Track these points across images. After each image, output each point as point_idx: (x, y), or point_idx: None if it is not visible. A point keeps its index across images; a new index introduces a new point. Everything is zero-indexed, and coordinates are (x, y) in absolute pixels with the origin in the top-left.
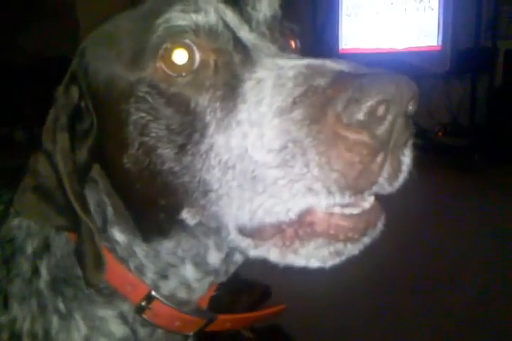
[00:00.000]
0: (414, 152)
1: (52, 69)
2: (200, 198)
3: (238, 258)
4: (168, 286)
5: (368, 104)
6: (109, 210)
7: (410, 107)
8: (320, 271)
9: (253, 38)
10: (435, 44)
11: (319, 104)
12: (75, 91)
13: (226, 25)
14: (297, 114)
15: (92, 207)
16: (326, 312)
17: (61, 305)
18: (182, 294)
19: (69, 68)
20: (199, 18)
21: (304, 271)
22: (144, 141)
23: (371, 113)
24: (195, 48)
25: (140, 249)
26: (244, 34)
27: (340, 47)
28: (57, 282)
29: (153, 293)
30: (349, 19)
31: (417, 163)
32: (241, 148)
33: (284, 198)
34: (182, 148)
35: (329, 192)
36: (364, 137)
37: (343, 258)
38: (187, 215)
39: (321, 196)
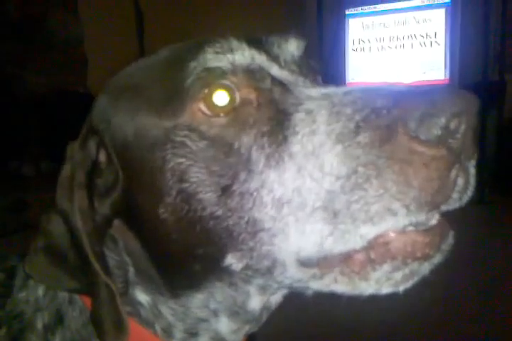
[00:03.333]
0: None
1: (60, 103)
2: (248, 240)
3: (273, 302)
4: None
5: (444, 118)
6: (131, 270)
7: (476, 119)
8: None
9: (285, 74)
10: (442, 78)
11: (386, 125)
12: (92, 146)
13: (259, 65)
14: (363, 137)
15: (112, 270)
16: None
17: None
18: None
19: (85, 123)
20: (235, 58)
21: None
22: (183, 187)
23: (446, 127)
24: (235, 88)
25: (166, 308)
26: (276, 72)
27: (347, 81)
28: None
29: None
30: (355, 53)
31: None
32: (297, 181)
33: (357, 223)
34: (226, 190)
35: (408, 211)
36: (441, 151)
37: (416, 279)
38: (233, 260)
39: (400, 216)
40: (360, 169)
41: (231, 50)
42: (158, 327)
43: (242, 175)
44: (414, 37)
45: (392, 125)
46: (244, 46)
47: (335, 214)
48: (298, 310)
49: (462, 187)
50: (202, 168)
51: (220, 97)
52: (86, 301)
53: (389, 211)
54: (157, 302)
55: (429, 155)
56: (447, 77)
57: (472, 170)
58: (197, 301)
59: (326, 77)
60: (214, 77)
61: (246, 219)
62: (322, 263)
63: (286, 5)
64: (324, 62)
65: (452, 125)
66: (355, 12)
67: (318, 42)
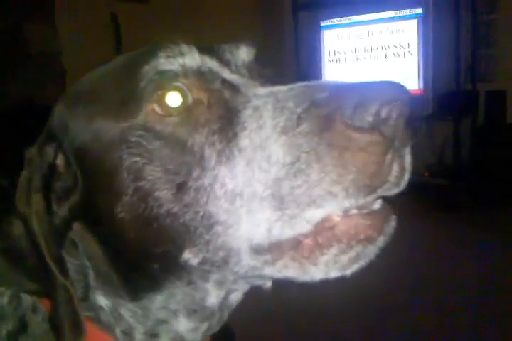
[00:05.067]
0: (399, 195)
1: (37, 116)
2: (204, 233)
3: (233, 300)
4: None
5: (375, 106)
6: (91, 274)
7: (407, 108)
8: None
9: (235, 77)
10: (416, 87)
11: (325, 115)
12: (50, 151)
13: (209, 68)
14: (304, 127)
15: (73, 274)
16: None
17: None
18: None
19: (43, 128)
20: (186, 61)
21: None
22: (139, 185)
23: (378, 114)
24: (186, 90)
25: (126, 311)
26: (227, 75)
27: None
28: None
29: None
30: (331, 64)
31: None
32: (247, 174)
33: (302, 207)
34: (181, 187)
35: (348, 193)
36: (375, 137)
37: (362, 262)
38: (189, 255)
39: (340, 198)
40: (303, 156)
41: (182, 54)
42: (118, 331)
43: (196, 172)
44: (387, 47)
45: (330, 114)
46: (194, 51)
47: (281, 201)
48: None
49: (398, 173)
50: (157, 166)
51: (173, 98)
52: (45, 303)
53: (330, 194)
54: (117, 305)
55: (364, 140)
56: (421, 86)
57: (408, 157)
58: (157, 302)
59: None
60: (166, 80)
61: (201, 213)
62: (274, 249)
63: (262, 16)
64: (301, 74)
65: (384, 112)
66: (331, 24)
67: (294, 53)
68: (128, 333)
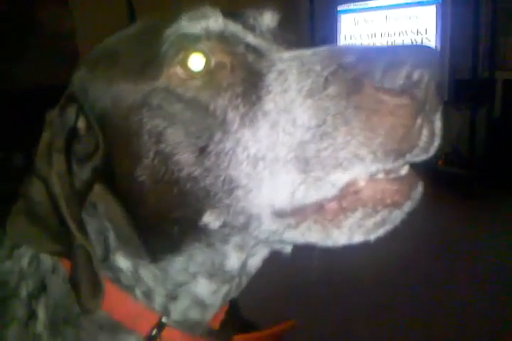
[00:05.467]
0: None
1: (50, 96)
2: (224, 198)
3: (252, 266)
4: (179, 308)
5: (406, 68)
6: (111, 235)
7: (437, 72)
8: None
9: (259, 41)
10: None
11: (353, 78)
12: (71, 114)
13: (233, 32)
14: (332, 90)
15: (93, 235)
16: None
17: None
18: (194, 314)
19: (65, 92)
20: (209, 25)
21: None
22: (160, 149)
23: (408, 77)
24: (209, 52)
25: (147, 272)
26: (251, 39)
27: None
28: (56, 323)
29: (163, 319)
30: None
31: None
32: (271, 137)
33: (327, 170)
34: (202, 151)
35: (375, 157)
36: (405, 100)
37: (388, 227)
38: (209, 219)
39: (367, 162)
40: (329, 119)
41: (205, 17)
42: (138, 292)
43: (218, 136)
44: (405, 33)
45: (359, 77)
46: (218, 14)
47: (306, 163)
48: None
49: (428, 138)
50: (178, 129)
51: (195, 61)
52: (66, 263)
53: (357, 157)
54: (137, 267)
55: (394, 103)
56: None
57: (438, 123)
58: (177, 264)
59: None
60: (189, 42)
61: (222, 177)
62: (297, 213)
63: (279, 1)
64: None
65: (415, 75)
66: (347, 8)
67: (310, 38)
68: (148, 295)
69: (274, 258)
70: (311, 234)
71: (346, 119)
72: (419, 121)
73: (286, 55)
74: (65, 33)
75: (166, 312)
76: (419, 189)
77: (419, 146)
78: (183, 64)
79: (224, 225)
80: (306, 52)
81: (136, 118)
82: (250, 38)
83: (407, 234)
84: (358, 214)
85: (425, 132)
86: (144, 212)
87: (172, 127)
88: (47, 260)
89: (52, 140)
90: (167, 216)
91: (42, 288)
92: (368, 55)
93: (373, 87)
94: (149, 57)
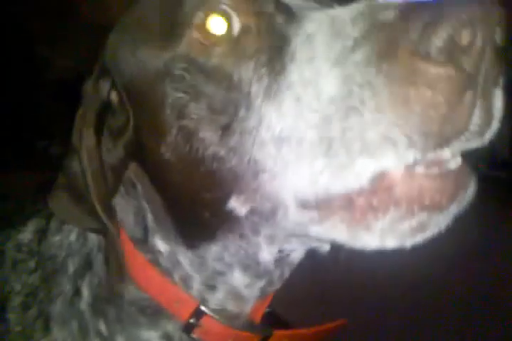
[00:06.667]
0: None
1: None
2: (251, 181)
3: (294, 257)
4: (216, 298)
5: (450, 27)
6: (149, 217)
7: (498, 34)
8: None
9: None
10: None
11: (387, 39)
12: (104, 86)
13: None
14: (360, 54)
15: (131, 215)
16: None
17: (103, 328)
18: (232, 306)
19: (99, 61)
20: None
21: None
22: (183, 124)
23: (454, 40)
24: (232, 13)
25: (185, 258)
26: None
27: None
28: (99, 302)
29: (202, 307)
30: None
31: None
32: (296, 114)
33: (353, 155)
34: (227, 129)
35: (410, 142)
36: (448, 69)
37: (427, 234)
38: (236, 204)
39: (401, 147)
40: (356, 90)
41: None
42: (176, 277)
43: (242, 112)
44: None
45: (393, 39)
46: None
47: (329, 146)
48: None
49: (482, 120)
50: (201, 103)
51: (216, 23)
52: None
53: (387, 140)
54: (175, 251)
55: (433, 73)
56: None
57: (497, 99)
58: (212, 253)
59: None
60: (210, 2)
61: (247, 159)
62: (322, 206)
63: None
64: None
65: (464, 38)
66: None
67: None
68: (186, 281)
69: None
70: (337, 233)
71: (375, 91)
72: (468, 97)
73: (318, 14)
74: (102, 25)
75: (203, 301)
76: (470, 189)
77: (470, 130)
78: (204, 28)
79: (251, 213)
80: (342, 10)
81: (159, 90)
82: None
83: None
84: (391, 215)
85: (478, 112)
86: (172, 193)
87: (194, 101)
88: (93, 237)
89: (85, 114)
90: (195, 198)
91: (87, 265)
92: (411, 9)
93: (408, 50)
94: (171, 21)
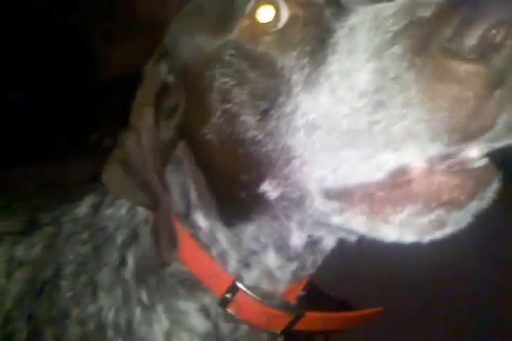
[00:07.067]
0: None
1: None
2: (283, 167)
3: (326, 245)
4: (251, 276)
5: (483, 25)
6: (193, 194)
7: None
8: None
9: None
10: None
11: (423, 35)
12: (163, 68)
13: None
14: (396, 49)
15: (177, 190)
16: None
17: (144, 296)
18: (265, 285)
19: (162, 44)
20: None
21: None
22: (226, 108)
23: (486, 38)
24: (282, 4)
25: (223, 235)
26: None
27: None
28: (142, 272)
29: (237, 283)
30: None
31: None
32: (330, 103)
33: (376, 148)
34: (265, 114)
35: (434, 135)
36: (477, 66)
37: (447, 231)
38: (268, 187)
39: (424, 140)
40: (387, 84)
41: None
42: (214, 252)
43: (281, 99)
44: None
45: (428, 35)
46: None
47: (355, 137)
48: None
49: (510, 119)
50: (244, 89)
51: (265, 13)
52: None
53: (411, 134)
54: (214, 228)
55: (462, 70)
56: None
57: None
58: (248, 233)
59: None
60: None
61: (281, 145)
62: (343, 197)
63: None
64: None
65: (496, 36)
66: None
67: None
68: (223, 257)
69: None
70: (357, 225)
71: (405, 85)
72: (496, 95)
73: (364, 8)
74: (159, 22)
75: (239, 277)
76: (492, 186)
77: (497, 129)
78: (254, 17)
79: (282, 198)
80: (388, 4)
81: (209, 74)
82: None
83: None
84: (409, 209)
85: (507, 110)
86: (214, 173)
87: (238, 86)
88: (141, 212)
89: (144, 93)
90: (233, 178)
91: (134, 237)
92: (451, 6)
93: (442, 46)
94: (226, 8)
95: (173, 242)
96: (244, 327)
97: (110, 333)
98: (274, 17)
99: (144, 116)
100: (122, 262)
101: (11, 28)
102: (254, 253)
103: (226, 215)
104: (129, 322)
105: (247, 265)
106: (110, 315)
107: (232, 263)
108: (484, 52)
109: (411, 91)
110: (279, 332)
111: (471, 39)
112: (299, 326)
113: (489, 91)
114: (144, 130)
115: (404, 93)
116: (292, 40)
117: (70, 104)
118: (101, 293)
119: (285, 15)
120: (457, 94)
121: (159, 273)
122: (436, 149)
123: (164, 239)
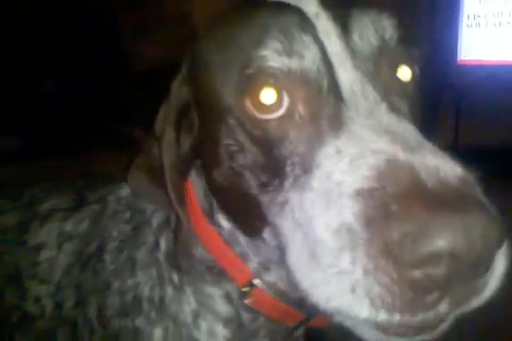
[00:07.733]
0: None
1: (170, 74)
2: (273, 229)
3: None
4: (269, 278)
5: (422, 251)
6: (214, 201)
7: (479, 248)
8: None
9: (353, 80)
10: None
11: (379, 214)
12: (186, 90)
13: (326, 61)
14: (357, 208)
15: (201, 191)
16: None
17: (175, 278)
18: (283, 286)
19: (185, 63)
20: (292, 63)
21: None
22: (233, 166)
23: (432, 253)
24: (284, 92)
25: (243, 239)
26: (345, 74)
27: (458, 59)
28: (172, 255)
29: (255, 280)
30: (470, 30)
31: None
32: (310, 213)
33: (331, 287)
34: (264, 185)
35: (372, 303)
36: (413, 273)
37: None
38: (267, 235)
39: (364, 304)
40: (344, 231)
41: (292, 52)
42: (237, 249)
43: (276, 182)
44: None
45: (384, 219)
46: (311, 46)
47: (319, 264)
48: None
49: (457, 302)
50: (247, 158)
51: (267, 96)
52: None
53: (353, 292)
54: (235, 231)
55: (401, 265)
56: None
57: (481, 282)
58: (265, 245)
59: (436, 54)
60: (265, 76)
61: (274, 217)
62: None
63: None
64: (436, 39)
65: (436, 259)
66: None
67: (430, 17)
68: (244, 256)
69: None
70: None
71: (355, 242)
72: (434, 295)
73: (356, 129)
74: (185, 14)
75: (258, 275)
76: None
77: (441, 309)
78: (255, 95)
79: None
80: (376, 141)
81: (219, 127)
82: (343, 72)
83: None
84: None
85: (450, 300)
86: (223, 199)
87: (241, 153)
88: None
89: (168, 111)
90: (240, 215)
91: (167, 222)
92: (412, 198)
93: (388, 242)
94: (235, 75)
95: (187, 249)
96: (262, 318)
97: (145, 306)
98: (275, 102)
99: (165, 132)
100: (156, 244)
101: (45, 18)
102: (273, 261)
103: (241, 229)
104: (162, 299)
105: (266, 269)
106: (146, 290)
107: (253, 264)
108: (423, 263)
109: (358, 252)
110: (292, 325)
111: (412, 256)
112: (313, 322)
113: (425, 294)
114: (165, 145)
115: (354, 251)
116: (289, 133)
117: (101, 95)
118: (139, 269)
119: (285, 104)
120: (395, 280)
121: (189, 258)
122: (377, 315)
123: (180, 245)
